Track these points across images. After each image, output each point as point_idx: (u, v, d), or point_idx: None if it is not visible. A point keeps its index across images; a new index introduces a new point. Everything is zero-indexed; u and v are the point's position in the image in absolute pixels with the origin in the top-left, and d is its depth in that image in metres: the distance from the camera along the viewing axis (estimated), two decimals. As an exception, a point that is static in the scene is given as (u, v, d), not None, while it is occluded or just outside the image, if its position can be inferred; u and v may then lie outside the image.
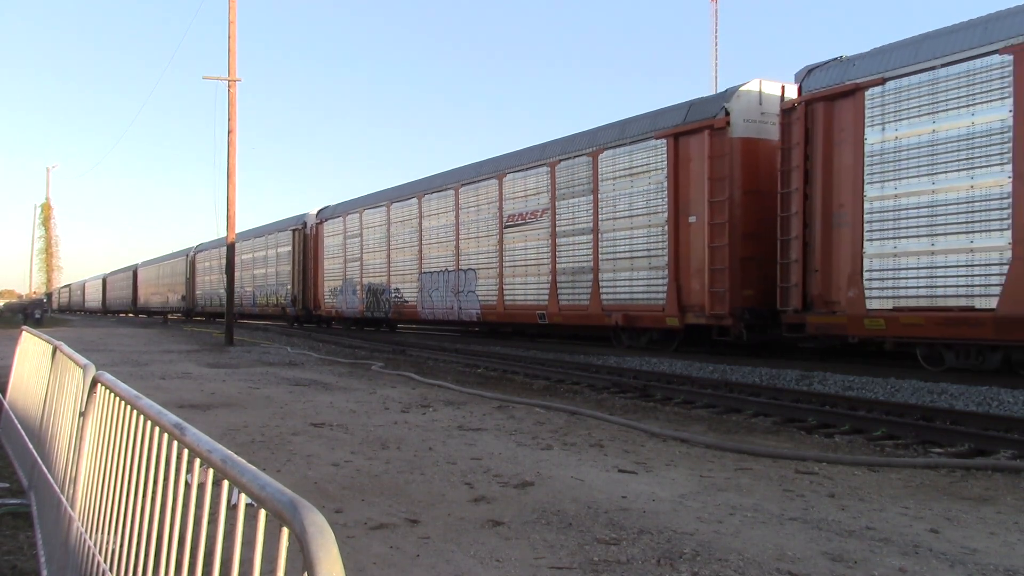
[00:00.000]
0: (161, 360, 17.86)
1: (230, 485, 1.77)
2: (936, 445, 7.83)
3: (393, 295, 27.34)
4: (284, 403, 10.47)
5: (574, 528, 4.79)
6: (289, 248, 35.07)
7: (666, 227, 16.44)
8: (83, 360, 3.74)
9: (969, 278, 11.48)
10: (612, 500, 5.47)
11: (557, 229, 19.52)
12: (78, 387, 3.61)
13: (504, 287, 21.50)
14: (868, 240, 12.84)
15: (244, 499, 1.72)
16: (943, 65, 11.89)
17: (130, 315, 70.21)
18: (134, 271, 68.17)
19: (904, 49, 12.62)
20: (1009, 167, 11.03)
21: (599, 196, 18.18)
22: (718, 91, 15.36)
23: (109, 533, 2.73)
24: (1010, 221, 11.02)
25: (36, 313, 42.50)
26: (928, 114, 12.09)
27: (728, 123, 15.30)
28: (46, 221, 79.68)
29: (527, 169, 20.80)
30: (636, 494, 5.65)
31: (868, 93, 12.89)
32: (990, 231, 11.27)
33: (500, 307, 21.64)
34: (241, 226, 39.40)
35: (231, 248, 25.98)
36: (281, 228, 36.40)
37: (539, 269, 20.20)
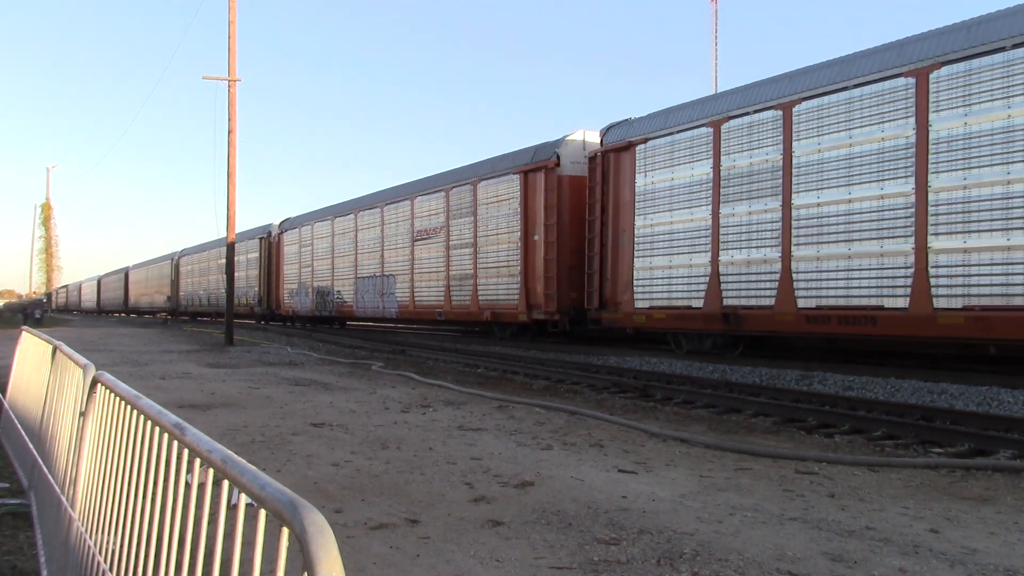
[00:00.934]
0: (161, 360, 17.86)
1: (230, 485, 1.77)
2: (936, 445, 7.83)
3: (336, 296, 31.78)
4: (284, 403, 10.47)
5: (574, 528, 4.79)
6: (256, 255, 39.14)
7: (519, 243, 20.73)
8: (83, 360, 3.74)
9: (688, 287, 16.11)
10: (612, 500, 5.47)
11: (450, 243, 23.89)
12: (78, 387, 3.61)
13: (415, 290, 25.86)
14: (637, 257, 17.38)
15: (244, 499, 1.72)
16: (679, 131, 16.53)
17: (121, 314, 73.08)
18: (126, 273, 71.21)
19: (657, 118, 17.36)
20: (708, 208, 15.80)
21: (478, 217, 22.52)
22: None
23: (109, 533, 2.73)
24: (710, 246, 15.66)
25: (36, 313, 42.51)
26: (668, 166, 16.76)
27: (559, 164, 19.81)
28: (46, 221, 79.79)
29: (431, 193, 25.17)
30: (636, 494, 5.65)
31: (638, 148, 17.47)
32: (700, 251, 15.89)
33: (412, 306, 26.08)
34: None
35: (231, 248, 25.98)
36: (250, 236, 40.20)
37: (438, 275, 24.50)
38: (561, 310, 19.49)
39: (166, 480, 2.23)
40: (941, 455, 7.43)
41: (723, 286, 15.25)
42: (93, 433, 3.22)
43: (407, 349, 21.25)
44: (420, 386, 12.71)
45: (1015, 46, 11.02)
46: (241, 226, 39.23)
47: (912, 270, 12.19)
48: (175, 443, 2.21)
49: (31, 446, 5.21)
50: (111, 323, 52.17)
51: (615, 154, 18.11)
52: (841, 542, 4.58)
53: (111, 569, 2.60)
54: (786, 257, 14.00)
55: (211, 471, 1.89)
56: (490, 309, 21.86)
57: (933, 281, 11.92)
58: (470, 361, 17.18)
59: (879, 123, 12.78)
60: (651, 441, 7.89)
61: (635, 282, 17.28)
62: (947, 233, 11.81)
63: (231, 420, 8.97)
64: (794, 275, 13.87)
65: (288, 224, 36.83)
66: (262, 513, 1.58)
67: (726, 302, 15.17)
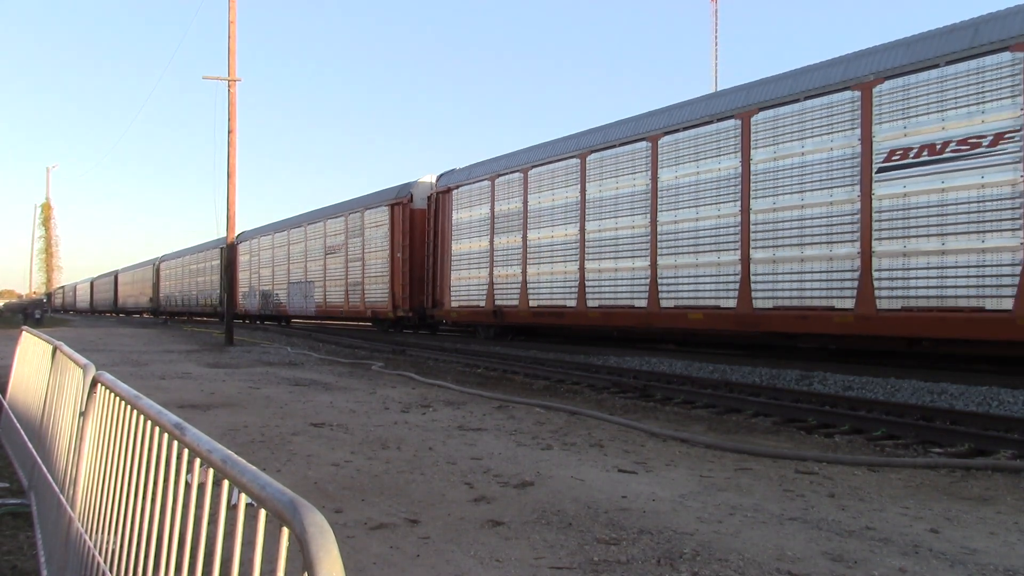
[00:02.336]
0: (161, 360, 17.86)
1: (230, 485, 1.77)
2: (936, 445, 7.83)
3: (275, 298, 39.05)
4: (284, 403, 10.47)
5: (574, 528, 4.79)
6: (218, 262, 45.72)
7: (388, 259, 27.78)
8: (83, 360, 3.74)
9: (480, 290, 22.77)
10: (612, 500, 5.47)
11: (348, 257, 30.90)
12: (78, 387, 3.60)
13: (327, 293, 32.99)
14: (453, 271, 24.15)
15: (244, 499, 1.72)
16: (475, 181, 23.27)
17: (111, 314, 78.36)
18: (115, 276, 77.00)
19: (463, 171, 24.26)
20: (487, 239, 22.59)
21: (364, 238, 29.62)
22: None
23: (109, 533, 2.73)
24: (488, 265, 22.44)
25: (36, 313, 42.53)
26: (468, 207, 23.60)
27: (411, 200, 26.87)
28: (46, 221, 79.85)
29: (336, 217, 32.37)
30: (636, 494, 5.65)
31: (454, 192, 24.24)
32: (484, 268, 22.55)
33: (325, 306, 33.32)
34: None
35: (232, 248, 26.00)
36: (213, 247, 47.04)
37: (341, 282, 31.54)
38: (413, 308, 26.78)
39: (166, 480, 2.23)
40: (941, 455, 7.42)
41: (496, 291, 22.12)
42: (93, 433, 3.22)
43: (407, 349, 21.25)
44: (420, 386, 12.71)
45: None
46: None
47: (648, 280, 16.96)
48: (175, 443, 2.20)
49: (31, 446, 5.21)
50: (110, 323, 52.18)
51: (441, 195, 25.10)
52: (841, 542, 4.58)
53: (111, 569, 2.59)
54: (524, 272, 21.06)
55: (211, 471, 1.89)
56: (371, 308, 29.15)
57: (660, 287, 16.70)
58: (470, 361, 17.17)
59: (630, 173, 17.76)
60: (651, 441, 7.88)
61: (451, 288, 24.24)
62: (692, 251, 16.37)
63: (231, 420, 8.97)
64: (529, 284, 20.85)
65: (241, 238, 43.39)
66: (262, 513, 1.58)
67: (496, 302, 22.04)
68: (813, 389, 11.50)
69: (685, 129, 16.05)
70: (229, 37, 24.29)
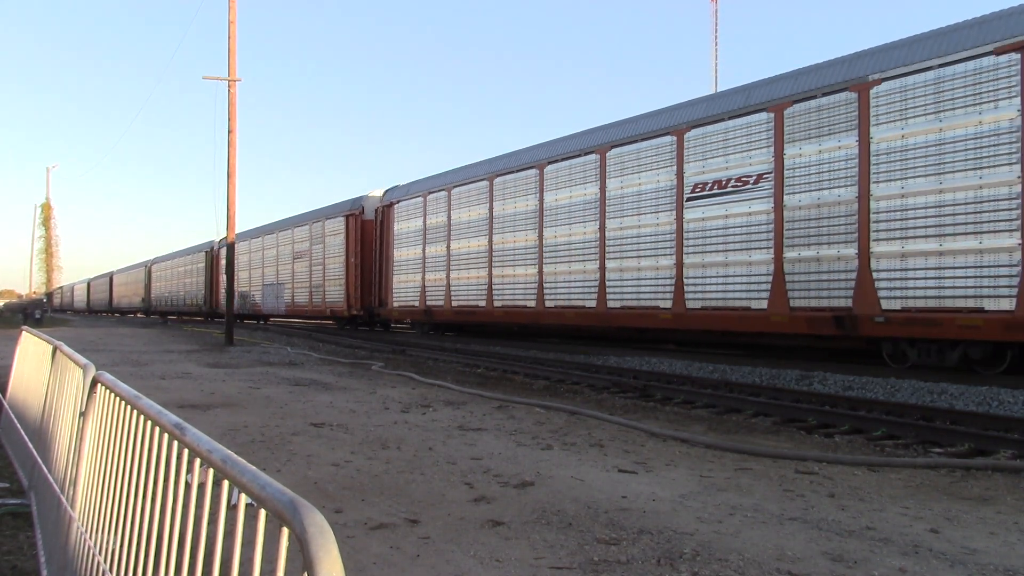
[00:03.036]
0: (161, 360, 17.86)
1: (230, 485, 1.77)
2: (936, 445, 7.83)
3: (251, 299, 42.82)
4: (284, 403, 10.47)
5: (574, 528, 4.79)
6: (203, 265, 50.23)
7: (343, 264, 31.30)
8: (83, 360, 3.74)
9: (415, 292, 26.41)
10: (612, 500, 5.47)
11: (312, 262, 34.58)
12: (78, 387, 3.60)
13: (294, 294, 36.79)
14: (395, 275, 27.86)
15: (244, 499, 1.72)
16: (412, 197, 26.58)
17: (107, 314, 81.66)
18: (110, 277, 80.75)
19: (404, 187, 27.61)
20: (419, 248, 26.33)
21: (325, 244, 33.29)
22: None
23: (109, 533, 2.73)
24: (421, 271, 26.06)
25: (36, 313, 42.52)
26: (407, 219, 27.18)
27: (363, 212, 30.57)
28: (46, 221, 79.85)
29: (303, 225, 36.16)
30: (636, 494, 5.65)
31: (396, 206, 27.62)
32: (418, 273, 26.23)
33: (292, 305, 37.00)
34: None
35: (231, 248, 25.96)
36: (198, 251, 51.52)
37: (306, 284, 35.23)
38: (364, 307, 30.53)
39: (166, 480, 2.23)
40: (941, 455, 7.42)
41: (427, 293, 25.74)
42: (93, 433, 3.22)
43: (407, 349, 21.25)
44: (420, 386, 12.71)
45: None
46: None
47: (536, 285, 20.66)
48: (175, 443, 2.20)
49: (31, 446, 5.21)
50: (110, 323, 52.28)
51: (386, 208, 28.59)
52: (841, 542, 4.58)
53: (111, 569, 2.59)
54: (448, 277, 24.41)
55: (211, 471, 1.89)
56: (330, 308, 32.82)
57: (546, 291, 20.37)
58: (470, 361, 17.17)
59: (523, 196, 21.90)
60: (651, 441, 7.88)
61: (394, 290, 27.91)
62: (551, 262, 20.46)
63: (231, 420, 8.97)
64: (452, 288, 24.34)
65: (221, 243, 45.94)
66: (262, 513, 1.58)
67: (427, 303, 25.68)
68: (813, 389, 11.50)
69: (566, 159, 19.87)
70: (229, 37, 24.29)
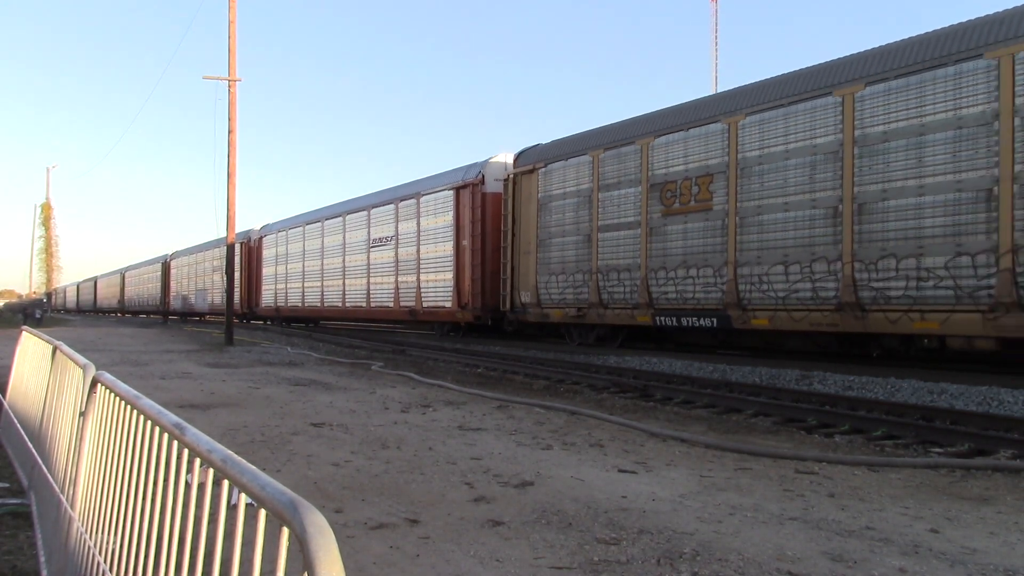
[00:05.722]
0: (161, 360, 17.86)
1: (230, 485, 1.77)
2: (936, 445, 7.83)
3: (187, 300, 51.42)
4: (284, 403, 10.46)
5: (574, 528, 4.79)
6: (159, 274, 60.60)
7: (230, 278, 30.98)
8: (83, 360, 3.74)
9: (272, 297, 39.10)
10: (612, 500, 5.46)
11: (217, 274, 44.25)
12: (78, 387, 3.60)
13: (212, 298, 44.95)
14: (277, 282, 37.69)
15: (244, 499, 1.72)
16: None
17: (92, 313, 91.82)
18: (95, 281, 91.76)
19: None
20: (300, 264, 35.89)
21: (216, 267, 43.41)
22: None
23: (109, 533, 2.73)
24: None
25: (36, 313, 42.51)
26: (280, 244, 36.31)
27: (249, 240, 38.06)
28: (46, 221, 79.86)
29: (211, 249, 45.55)
30: (636, 494, 5.64)
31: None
32: (282, 284, 37.98)
33: (212, 305, 44.75)
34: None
35: (231, 248, 25.96)
36: (156, 262, 62.13)
37: (219, 289, 42.35)
38: (250, 308, 40.39)
39: (166, 480, 2.23)
40: (941, 455, 7.42)
41: (280, 296, 36.85)
42: (93, 433, 3.22)
43: (407, 349, 21.25)
44: (420, 386, 12.71)
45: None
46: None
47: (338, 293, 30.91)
48: (175, 443, 2.20)
49: (31, 446, 5.21)
50: (111, 323, 52.40)
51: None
52: (841, 542, 4.58)
53: (111, 569, 2.59)
54: (299, 287, 34.88)
55: (211, 471, 1.89)
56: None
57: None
58: (470, 361, 17.17)
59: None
60: (651, 441, 7.88)
61: (263, 293, 40.10)
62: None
63: (231, 420, 8.97)
64: (290, 292, 35.57)
65: (173, 256, 57.59)
66: (262, 513, 1.58)
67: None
68: (813, 389, 11.50)
69: (357, 211, 29.66)
70: (229, 37, 24.28)
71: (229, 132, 24.58)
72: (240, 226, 48.26)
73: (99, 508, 2.90)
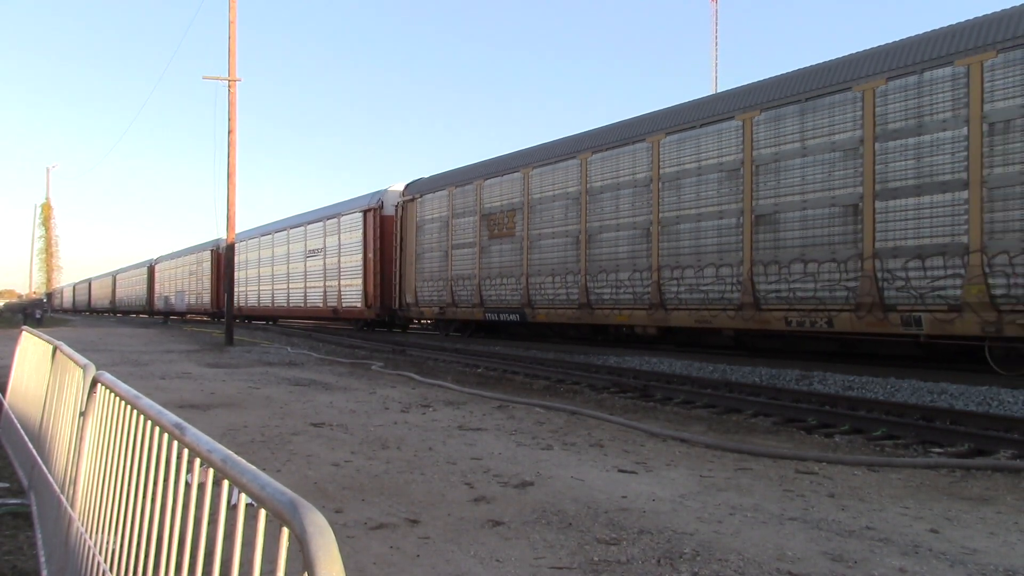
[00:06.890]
0: (161, 360, 17.86)
1: (230, 485, 1.77)
2: (936, 445, 7.83)
3: (169, 300, 56.04)
4: (284, 403, 10.47)
5: (574, 528, 4.79)
6: (144, 277, 65.68)
7: (210, 280, 45.12)
8: (83, 360, 3.74)
9: (256, 297, 43.08)
10: (612, 500, 5.47)
11: (200, 275, 49.13)
12: (78, 387, 3.60)
13: (188, 299, 50.05)
14: (253, 286, 42.16)
15: (244, 499, 1.72)
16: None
17: (85, 313, 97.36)
18: (89, 283, 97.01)
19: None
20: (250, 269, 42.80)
21: (199, 269, 48.30)
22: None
23: (109, 533, 2.73)
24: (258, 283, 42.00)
25: (36, 313, 42.50)
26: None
27: (219, 248, 40.89)
28: (46, 221, 79.94)
29: (190, 254, 51.54)
30: (636, 494, 5.65)
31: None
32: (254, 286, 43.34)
33: (191, 305, 50.04)
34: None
35: (231, 248, 25.97)
36: (142, 266, 67.15)
37: (196, 290, 49.52)
38: (219, 307, 42.15)
39: (166, 480, 2.23)
40: (941, 455, 7.42)
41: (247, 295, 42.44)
42: (93, 433, 3.22)
43: (407, 349, 21.25)
44: (420, 386, 12.71)
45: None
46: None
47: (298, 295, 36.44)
48: (175, 443, 2.20)
49: (31, 446, 5.21)
50: (110, 323, 52.40)
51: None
52: (841, 542, 4.58)
53: (111, 569, 2.59)
54: (269, 289, 39.80)
55: (211, 471, 1.88)
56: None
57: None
58: (470, 361, 17.17)
59: None
60: (651, 441, 7.88)
61: (246, 294, 42.59)
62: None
63: (231, 420, 8.97)
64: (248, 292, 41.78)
65: (158, 260, 62.70)
66: (262, 513, 1.58)
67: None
68: (813, 389, 11.50)
69: (297, 227, 35.66)
70: (229, 37, 24.29)
71: (229, 132, 24.59)
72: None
73: (99, 508, 2.90)
